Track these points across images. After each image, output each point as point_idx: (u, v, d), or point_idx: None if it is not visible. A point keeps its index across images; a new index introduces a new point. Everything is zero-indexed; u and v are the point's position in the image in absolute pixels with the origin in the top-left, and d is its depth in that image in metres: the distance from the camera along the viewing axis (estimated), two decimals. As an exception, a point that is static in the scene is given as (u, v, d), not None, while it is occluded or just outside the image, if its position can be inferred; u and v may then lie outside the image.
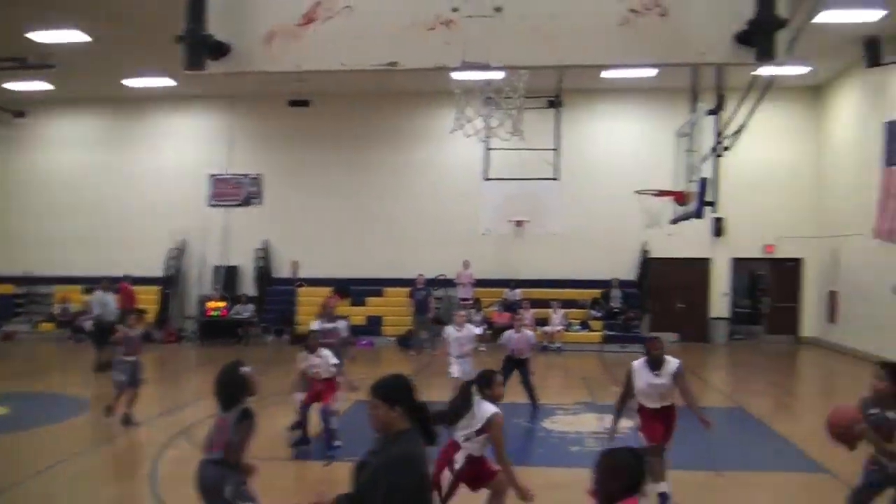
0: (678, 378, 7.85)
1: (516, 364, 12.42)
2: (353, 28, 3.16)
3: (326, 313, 10.95)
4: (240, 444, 5.37)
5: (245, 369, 5.50)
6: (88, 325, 18.25)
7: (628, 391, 8.05)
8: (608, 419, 8.46)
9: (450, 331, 11.63)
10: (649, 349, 8.04)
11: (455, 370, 11.41)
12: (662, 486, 7.61)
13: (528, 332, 12.77)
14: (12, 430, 10.92)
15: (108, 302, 16.76)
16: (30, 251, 23.46)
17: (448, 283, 21.72)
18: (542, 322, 20.17)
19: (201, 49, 3.13)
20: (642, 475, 3.48)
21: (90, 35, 16.77)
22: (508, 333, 12.57)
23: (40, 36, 16.58)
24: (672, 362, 7.90)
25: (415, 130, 23.02)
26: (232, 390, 5.45)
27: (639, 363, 8.03)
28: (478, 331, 11.69)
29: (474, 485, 6.51)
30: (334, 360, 9.77)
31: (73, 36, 16.79)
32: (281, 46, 3.17)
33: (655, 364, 7.89)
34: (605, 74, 19.82)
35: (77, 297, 21.48)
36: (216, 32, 3.14)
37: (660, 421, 7.87)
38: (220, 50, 3.17)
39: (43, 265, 23.19)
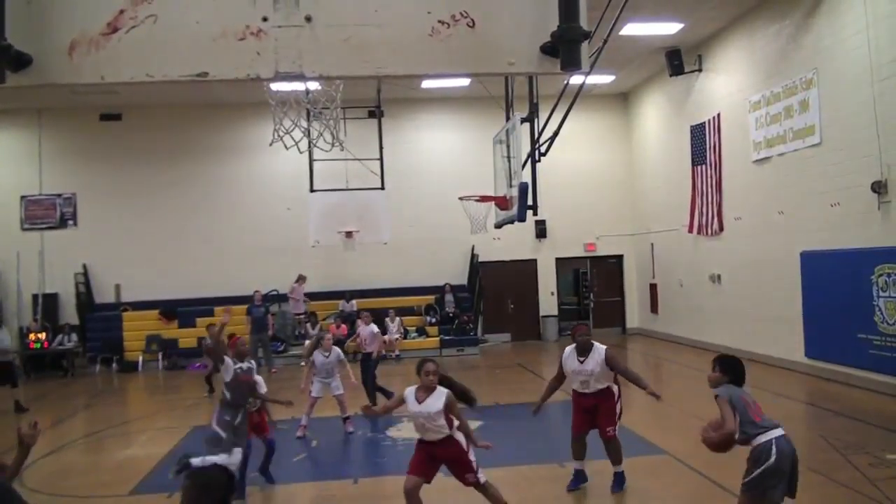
0: (609, 362, 7.92)
1: (366, 358, 12.76)
2: (159, 37, 3.07)
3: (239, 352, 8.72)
4: None
5: None
6: None
7: (559, 375, 8.22)
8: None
9: (316, 356, 11.49)
10: (573, 334, 8.22)
11: (316, 389, 11.36)
12: (620, 468, 7.88)
13: (373, 326, 13.10)
14: None
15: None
16: None
17: (281, 298, 21.40)
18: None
19: (0, 60, 2.97)
20: (231, 491, 3.72)
21: None
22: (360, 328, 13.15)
23: None
24: (599, 348, 7.99)
25: (236, 143, 22.40)
26: None
27: (569, 349, 8.19)
28: (342, 356, 11.74)
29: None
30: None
31: None
32: (84, 56, 3.06)
33: (582, 350, 8.02)
34: (423, 84, 20.22)
35: None
36: (15, 42, 2.99)
37: (584, 411, 8.05)
38: (20, 61, 3.02)
39: None
